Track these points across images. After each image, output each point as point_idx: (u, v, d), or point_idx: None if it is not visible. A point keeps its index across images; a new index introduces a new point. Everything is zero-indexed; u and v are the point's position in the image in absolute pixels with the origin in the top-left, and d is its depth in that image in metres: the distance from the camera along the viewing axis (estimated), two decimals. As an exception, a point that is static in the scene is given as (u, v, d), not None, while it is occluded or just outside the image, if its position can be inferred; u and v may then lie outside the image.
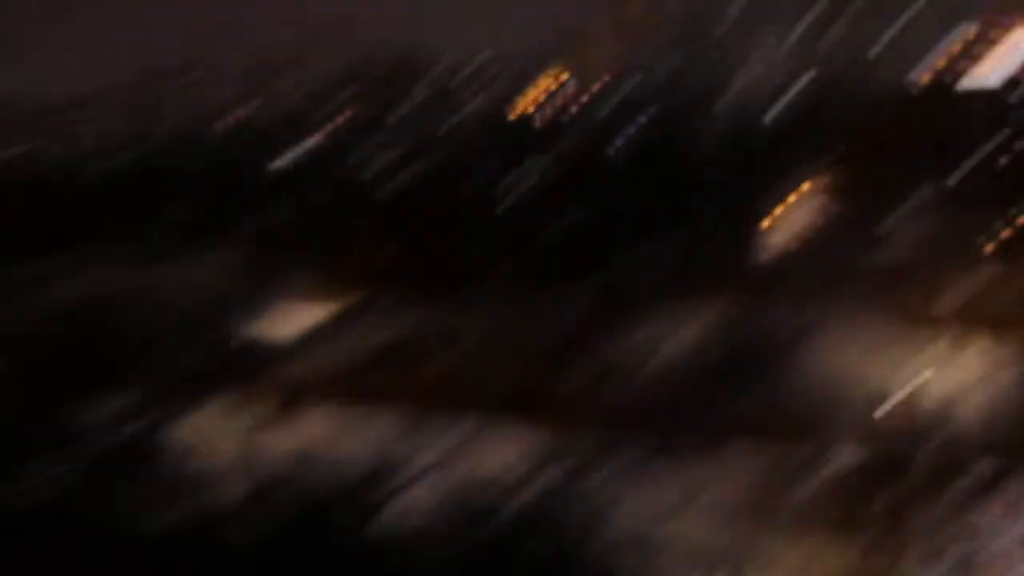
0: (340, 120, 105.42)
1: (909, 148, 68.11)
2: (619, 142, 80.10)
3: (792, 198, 77.70)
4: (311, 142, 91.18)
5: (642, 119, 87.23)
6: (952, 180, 66.80)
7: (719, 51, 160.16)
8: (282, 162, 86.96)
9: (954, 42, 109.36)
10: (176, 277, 48.23)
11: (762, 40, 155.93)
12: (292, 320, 62.28)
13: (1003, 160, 68.45)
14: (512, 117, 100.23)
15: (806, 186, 76.85)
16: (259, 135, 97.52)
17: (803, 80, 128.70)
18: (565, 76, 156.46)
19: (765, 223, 71.42)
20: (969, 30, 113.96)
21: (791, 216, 76.61)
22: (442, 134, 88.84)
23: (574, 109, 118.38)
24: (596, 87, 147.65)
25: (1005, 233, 56.39)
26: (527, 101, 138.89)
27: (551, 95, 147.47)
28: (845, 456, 47.91)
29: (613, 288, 61.17)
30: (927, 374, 50.87)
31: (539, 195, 73.12)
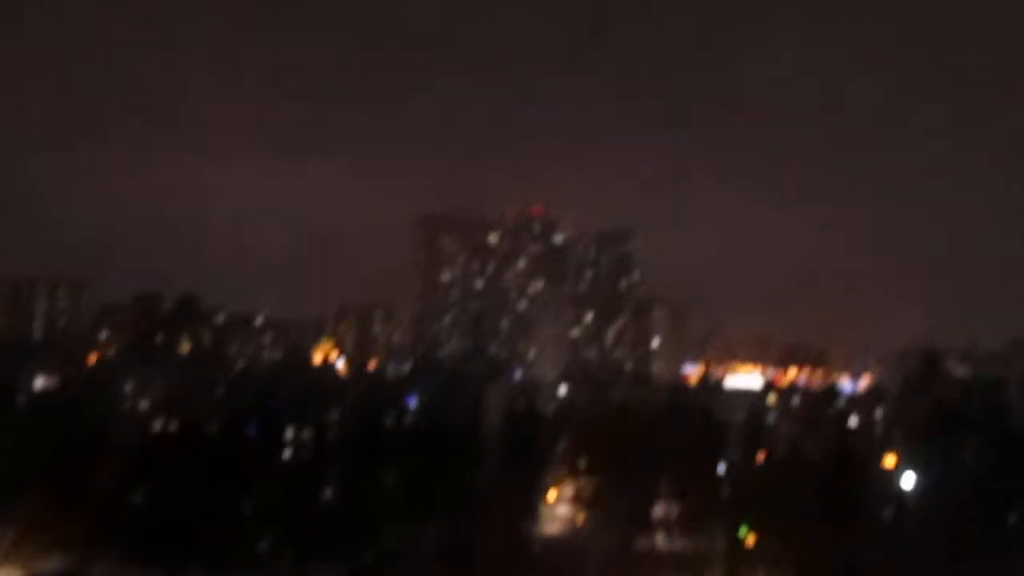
0: (102, 353, 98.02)
1: (673, 443, 71.97)
2: (388, 420, 79.75)
3: (564, 483, 78.99)
4: (63, 373, 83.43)
5: (417, 399, 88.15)
6: (717, 471, 70.74)
7: (499, 342, 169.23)
8: (26, 390, 77.97)
9: (688, 375, 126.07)
10: None
11: (540, 335, 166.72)
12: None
13: (763, 455, 73.82)
14: (281, 381, 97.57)
15: (577, 473, 78.71)
16: (5, 358, 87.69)
17: (575, 376, 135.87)
18: (337, 350, 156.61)
19: (537, 506, 71.53)
20: (698, 368, 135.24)
21: (562, 500, 77.28)
22: (204, 385, 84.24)
23: (348, 381, 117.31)
24: (371, 363, 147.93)
25: (766, 523, 59.62)
26: (299, 366, 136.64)
27: (327, 364, 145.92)
28: None
29: (372, 567, 57.35)
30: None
31: (300, 465, 69.46)
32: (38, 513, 57.10)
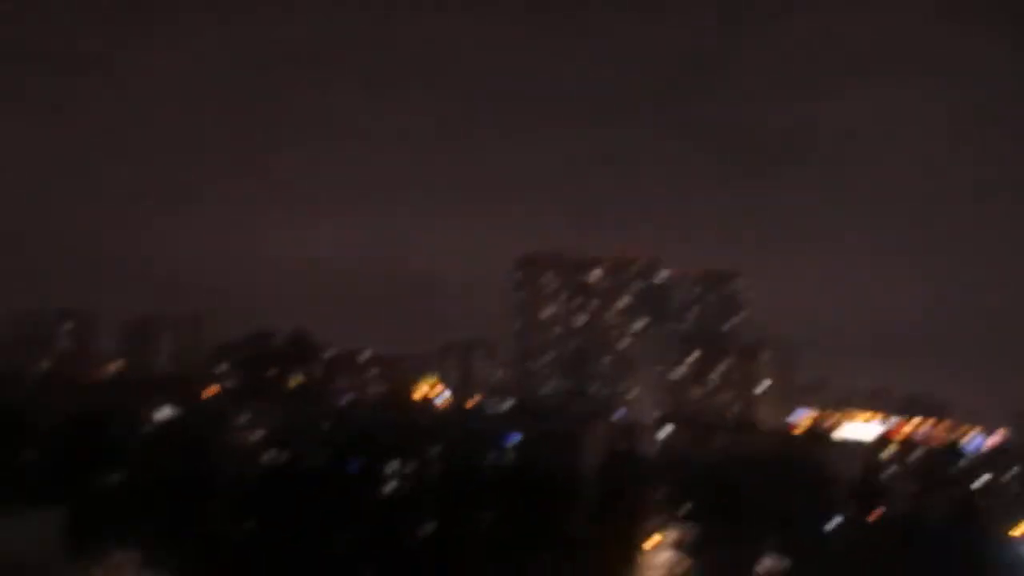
0: (218, 388, 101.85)
1: (780, 493, 69.14)
2: (488, 458, 79.51)
3: (665, 528, 76.85)
4: (182, 406, 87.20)
5: (516, 437, 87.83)
6: (828, 526, 67.19)
7: (600, 381, 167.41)
8: (148, 422, 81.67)
9: (797, 422, 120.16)
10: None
11: (641, 375, 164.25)
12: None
13: (874, 508, 69.63)
14: (385, 417, 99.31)
15: (678, 519, 76.45)
16: (130, 392, 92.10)
17: (677, 418, 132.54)
18: (441, 386, 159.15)
19: (636, 552, 69.67)
20: (809, 414, 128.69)
21: (663, 546, 75.13)
22: (314, 420, 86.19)
23: (449, 417, 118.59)
24: (472, 400, 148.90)
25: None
26: (402, 402, 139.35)
27: (428, 400, 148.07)
28: None
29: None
30: None
31: (400, 501, 69.99)
32: (157, 540, 59.60)
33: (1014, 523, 64.94)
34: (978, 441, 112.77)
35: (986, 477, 77.57)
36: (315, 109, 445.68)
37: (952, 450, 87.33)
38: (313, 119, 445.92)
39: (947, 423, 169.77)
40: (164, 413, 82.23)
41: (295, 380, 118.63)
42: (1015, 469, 79.28)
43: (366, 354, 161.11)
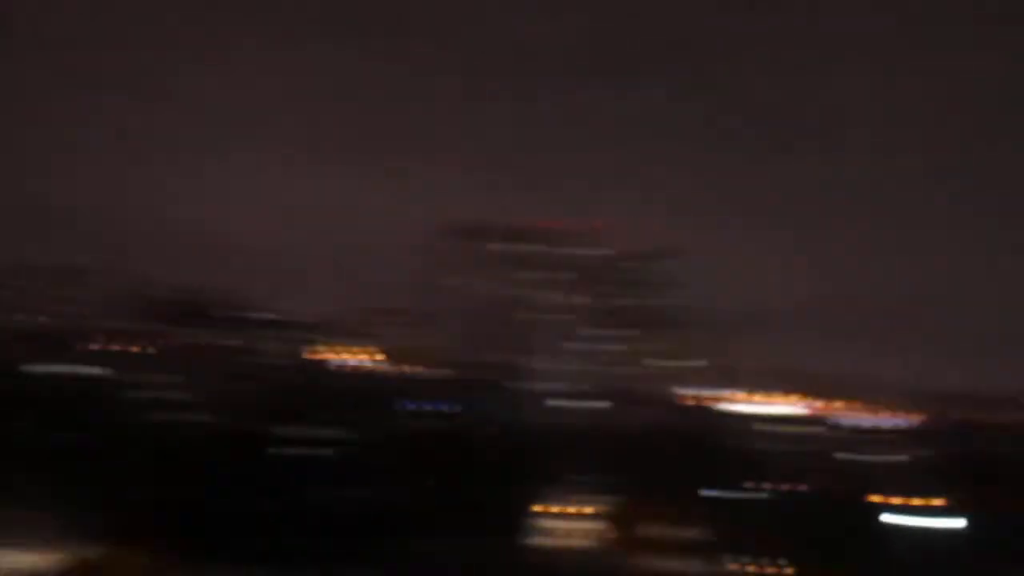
0: (119, 341, 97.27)
1: (704, 465, 69.44)
2: (413, 425, 78.20)
3: (589, 498, 76.40)
4: (81, 361, 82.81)
5: (445, 405, 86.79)
6: (752, 497, 67.79)
7: (530, 352, 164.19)
8: (45, 375, 77.46)
9: (722, 398, 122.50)
10: None
11: (572, 348, 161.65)
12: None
13: (800, 484, 70.69)
14: (303, 379, 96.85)
15: (604, 490, 76.15)
16: (24, 342, 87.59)
17: (606, 392, 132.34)
18: (372, 355, 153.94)
19: (546, 523, 69.15)
20: (733, 393, 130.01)
21: (572, 517, 74.76)
22: (229, 382, 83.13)
23: (379, 385, 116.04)
24: (405, 369, 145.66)
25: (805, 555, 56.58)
26: (326, 367, 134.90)
27: (355, 366, 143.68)
28: None
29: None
30: None
31: (321, 466, 68.30)
32: (79, 503, 56.59)
33: (898, 496, 66.88)
34: (889, 422, 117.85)
35: (878, 452, 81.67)
36: (264, 65, 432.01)
37: (841, 424, 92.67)
38: (249, 72, 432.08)
39: (861, 403, 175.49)
40: (49, 368, 78.26)
41: (216, 341, 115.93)
42: (915, 449, 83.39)
43: (282, 317, 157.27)
